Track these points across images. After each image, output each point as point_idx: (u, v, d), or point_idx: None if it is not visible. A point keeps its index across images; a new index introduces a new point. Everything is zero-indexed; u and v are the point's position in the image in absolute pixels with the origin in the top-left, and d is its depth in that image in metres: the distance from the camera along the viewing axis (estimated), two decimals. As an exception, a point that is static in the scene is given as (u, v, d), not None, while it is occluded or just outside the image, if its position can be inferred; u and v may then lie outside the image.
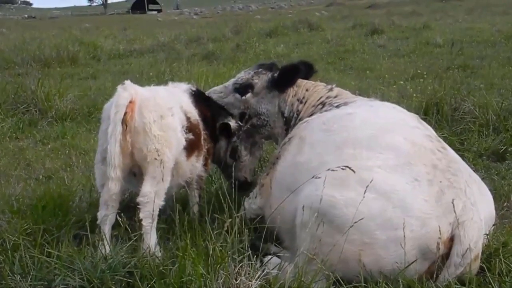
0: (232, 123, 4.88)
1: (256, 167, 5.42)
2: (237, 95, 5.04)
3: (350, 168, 3.39)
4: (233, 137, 4.95)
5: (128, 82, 4.05)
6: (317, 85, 4.95)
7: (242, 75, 5.11)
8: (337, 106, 4.45)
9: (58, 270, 3.50)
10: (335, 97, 4.70)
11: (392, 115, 4.15)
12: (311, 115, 4.59)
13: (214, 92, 5.16)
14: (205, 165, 4.70)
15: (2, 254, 3.83)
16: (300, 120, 4.68)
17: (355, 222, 3.26)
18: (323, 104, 4.66)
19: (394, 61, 14.26)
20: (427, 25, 22.46)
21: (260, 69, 5.10)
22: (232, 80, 5.16)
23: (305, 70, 5.04)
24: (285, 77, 4.91)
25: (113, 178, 3.87)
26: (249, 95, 5.00)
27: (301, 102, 4.85)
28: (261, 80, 5.00)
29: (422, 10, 33.44)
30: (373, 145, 3.67)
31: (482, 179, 4.25)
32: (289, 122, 4.89)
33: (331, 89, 4.83)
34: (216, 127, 4.85)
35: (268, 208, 4.18)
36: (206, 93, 5.15)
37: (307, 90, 4.88)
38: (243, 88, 5.02)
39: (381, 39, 18.96)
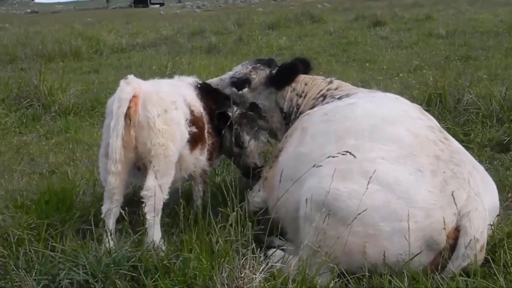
0: (232, 112, 4.83)
1: (265, 152, 5.34)
2: (234, 89, 5.03)
3: (350, 153, 3.39)
4: (230, 124, 4.86)
5: (131, 77, 4.05)
6: (316, 78, 4.95)
7: (240, 69, 5.10)
8: (339, 98, 4.44)
9: (62, 265, 3.51)
10: (336, 89, 4.70)
11: (394, 106, 4.13)
12: (312, 107, 4.59)
13: (210, 84, 5.12)
14: (209, 159, 4.67)
15: (7, 248, 3.84)
16: (300, 113, 4.67)
17: (359, 214, 3.26)
18: (324, 96, 4.66)
19: (396, 53, 14.18)
20: (429, 16, 22.29)
21: (258, 64, 5.09)
22: (230, 74, 5.14)
23: (303, 67, 5.03)
24: (283, 76, 4.91)
25: (114, 172, 3.88)
26: (245, 90, 5.00)
27: (300, 96, 4.85)
28: (258, 75, 5.00)
29: (424, 1, 33.15)
30: (376, 136, 3.66)
31: (486, 170, 4.23)
32: (289, 117, 4.89)
33: (331, 82, 4.83)
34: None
35: (272, 201, 4.17)
36: None
37: (305, 84, 4.88)
38: (240, 83, 5.02)
39: (383, 30, 18.84)
